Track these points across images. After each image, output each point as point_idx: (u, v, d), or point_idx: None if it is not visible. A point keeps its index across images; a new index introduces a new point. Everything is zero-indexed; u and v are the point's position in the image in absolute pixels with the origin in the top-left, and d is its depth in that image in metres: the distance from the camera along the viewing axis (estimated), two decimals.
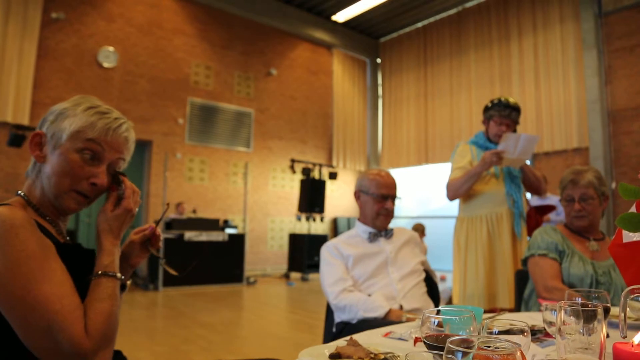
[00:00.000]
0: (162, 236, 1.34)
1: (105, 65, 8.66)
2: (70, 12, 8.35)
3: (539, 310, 2.06)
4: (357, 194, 2.31)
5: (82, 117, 1.10)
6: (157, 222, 1.33)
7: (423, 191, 12.03)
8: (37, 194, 1.10)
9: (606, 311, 0.94)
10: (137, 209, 1.17)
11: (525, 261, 2.24)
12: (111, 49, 8.75)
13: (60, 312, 0.92)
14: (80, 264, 1.07)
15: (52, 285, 0.93)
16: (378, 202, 2.23)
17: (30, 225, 0.97)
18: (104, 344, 0.96)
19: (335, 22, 11.97)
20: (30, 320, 0.90)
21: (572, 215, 2.18)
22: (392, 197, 2.25)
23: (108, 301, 1.01)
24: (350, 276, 2.13)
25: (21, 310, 0.91)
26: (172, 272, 1.36)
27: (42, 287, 0.92)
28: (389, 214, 2.25)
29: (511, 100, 3.08)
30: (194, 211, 9.33)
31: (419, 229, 7.30)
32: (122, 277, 1.09)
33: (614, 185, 8.07)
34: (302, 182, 9.93)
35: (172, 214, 8.68)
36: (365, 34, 12.79)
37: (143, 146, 9.34)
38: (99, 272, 1.05)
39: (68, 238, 1.18)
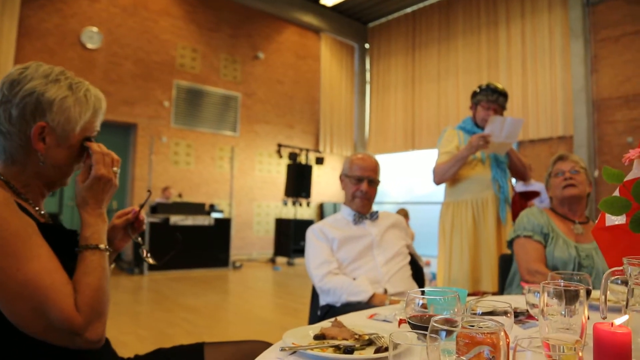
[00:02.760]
0: (147, 220, 1.32)
1: (89, 46, 8.49)
2: None
3: (522, 293, 2.10)
4: (341, 177, 2.32)
5: (87, 105, 1.10)
6: (140, 206, 1.30)
7: (409, 177, 12.09)
8: (22, 176, 1.07)
9: (587, 293, 0.95)
10: (116, 171, 1.12)
11: (511, 243, 2.26)
12: (95, 29, 8.57)
13: (51, 288, 0.91)
14: (62, 243, 1.05)
15: (40, 262, 0.92)
16: (354, 184, 2.23)
17: (11, 204, 0.95)
18: (94, 317, 0.95)
19: (323, 6, 11.85)
20: (21, 299, 0.89)
21: (562, 186, 2.19)
22: (369, 179, 2.23)
23: (94, 274, 0.99)
24: (336, 259, 2.14)
25: (11, 289, 0.89)
26: (150, 261, 1.32)
27: (31, 264, 0.91)
28: (364, 197, 2.23)
29: (499, 85, 3.09)
30: (180, 195, 9.28)
31: (402, 214, 7.35)
32: (106, 247, 1.06)
33: (596, 173, 8.18)
34: (289, 167, 9.90)
35: (157, 198, 8.61)
36: (354, 19, 12.69)
37: (128, 129, 9.22)
38: (82, 246, 1.03)
39: (48, 217, 1.16)
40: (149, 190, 1.42)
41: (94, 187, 1.07)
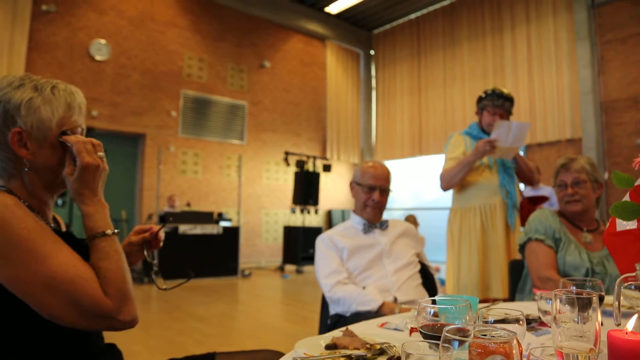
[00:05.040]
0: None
1: (98, 58, 8.58)
2: (60, 5, 8.25)
3: (534, 299, 2.08)
4: (351, 185, 2.32)
5: (57, 101, 1.07)
6: (161, 227, 1.31)
7: (417, 183, 12.06)
8: (23, 188, 1.07)
9: (600, 299, 0.94)
10: (102, 156, 1.09)
11: (522, 247, 2.22)
12: (103, 41, 8.67)
13: (78, 278, 0.93)
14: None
15: (62, 254, 0.94)
16: (366, 192, 2.22)
17: (22, 205, 0.98)
18: (123, 299, 0.97)
19: (328, 14, 11.91)
20: (51, 293, 0.91)
21: (565, 201, 2.16)
22: (382, 188, 2.22)
23: (110, 259, 1.00)
24: (345, 268, 2.13)
25: (39, 285, 0.90)
26: (160, 286, 1.30)
27: (54, 258, 0.93)
28: (376, 206, 2.22)
29: (505, 90, 3.09)
30: (188, 204, 9.31)
31: (411, 221, 7.32)
32: (114, 230, 1.05)
33: (606, 176, 8.12)
34: (296, 174, 9.91)
35: (165, 208, 8.65)
36: (359, 26, 12.74)
37: (136, 139, 9.28)
38: (90, 236, 1.03)
39: (57, 227, 1.17)
40: (170, 217, 1.42)
41: (84, 176, 1.05)
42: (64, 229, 1.23)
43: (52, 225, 1.12)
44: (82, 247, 1.10)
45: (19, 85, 1.06)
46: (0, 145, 1.03)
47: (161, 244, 1.32)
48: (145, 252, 1.30)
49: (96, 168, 1.06)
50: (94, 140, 1.09)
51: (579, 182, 2.12)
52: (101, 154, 1.09)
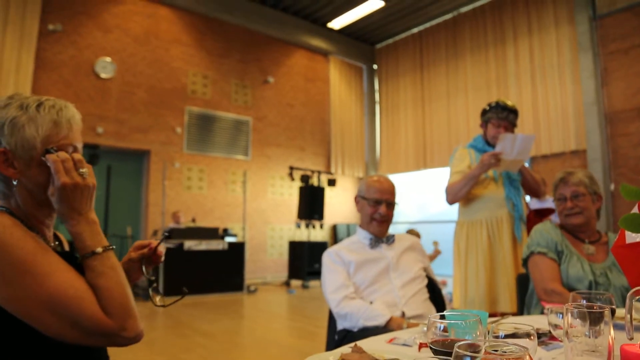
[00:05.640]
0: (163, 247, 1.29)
1: (103, 76, 8.67)
2: (67, 24, 8.37)
3: (542, 312, 2.06)
4: (357, 199, 2.32)
5: (42, 119, 1.04)
6: (159, 242, 1.29)
7: (422, 196, 12.03)
8: (19, 210, 1.06)
9: (612, 313, 0.93)
10: (84, 172, 1.04)
11: (525, 261, 2.23)
12: (108, 59, 8.76)
13: (76, 298, 0.92)
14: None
15: (60, 274, 0.94)
16: (372, 206, 2.22)
17: (21, 225, 0.98)
18: (125, 315, 0.96)
19: (331, 29, 12.02)
20: (51, 314, 0.90)
21: (564, 214, 2.17)
22: (388, 202, 2.22)
23: (104, 277, 0.98)
24: (352, 282, 2.12)
25: (39, 306, 0.90)
26: (156, 303, 1.25)
27: (53, 278, 0.92)
28: (383, 220, 2.22)
29: (509, 102, 3.09)
30: (193, 220, 9.31)
31: (414, 235, 7.28)
32: (105, 246, 1.01)
33: (612, 187, 8.08)
34: (301, 189, 9.91)
35: (170, 224, 8.65)
36: (361, 41, 12.83)
37: (141, 156, 9.33)
38: (81, 257, 1.01)
39: (57, 246, 1.16)
40: (166, 233, 1.39)
41: (63, 197, 1.01)
42: (66, 247, 1.22)
43: (53, 244, 1.12)
44: (78, 269, 1.10)
45: (5, 105, 1.04)
46: None
47: (162, 259, 1.29)
48: (144, 268, 1.26)
49: (74, 187, 1.01)
50: (76, 156, 1.04)
51: (578, 195, 2.14)
52: (84, 170, 1.04)
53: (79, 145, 1.11)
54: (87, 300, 0.93)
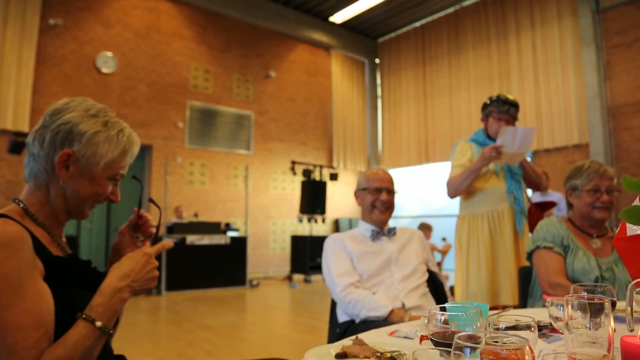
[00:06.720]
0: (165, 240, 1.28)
1: (104, 70, 8.67)
2: (67, 18, 8.36)
3: (543, 305, 2.06)
4: (356, 194, 2.33)
5: (117, 144, 1.12)
6: (157, 227, 1.30)
7: (424, 190, 12.02)
8: (42, 202, 1.09)
9: (612, 305, 0.93)
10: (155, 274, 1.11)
11: (530, 255, 2.22)
12: (109, 54, 8.75)
13: (12, 346, 0.88)
14: (77, 276, 1.05)
15: (14, 313, 0.89)
16: (373, 195, 2.24)
17: (18, 243, 0.93)
18: None
19: (333, 23, 11.98)
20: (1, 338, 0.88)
21: (596, 206, 2.10)
22: (388, 189, 2.25)
23: (68, 348, 0.93)
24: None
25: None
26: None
27: (4, 314, 0.89)
28: (385, 206, 2.24)
29: (509, 96, 3.08)
30: (196, 215, 9.33)
31: (425, 228, 7.31)
32: (103, 327, 0.98)
33: (615, 181, 8.06)
34: (303, 183, 9.91)
35: (172, 219, 8.67)
36: (363, 35, 12.79)
37: (143, 151, 9.33)
38: (80, 313, 0.98)
39: (66, 244, 1.17)
40: (159, 209, 1.34)
41: (134, 261, 1.08)
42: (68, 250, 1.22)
43: (61, 244, 1.12)
44: (86, 270, 1.10)
45: (93, 115, 1.11)
46: (45, 157, 1.07)
47: (153, 229, 1.29)
48: (132, 232, 1.28)
49: (148, 263, 1.10)
50: (153, 262, 1.11)
51: (612, 190, 2.12)
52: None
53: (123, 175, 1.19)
54: (21, 355, 0.88)
